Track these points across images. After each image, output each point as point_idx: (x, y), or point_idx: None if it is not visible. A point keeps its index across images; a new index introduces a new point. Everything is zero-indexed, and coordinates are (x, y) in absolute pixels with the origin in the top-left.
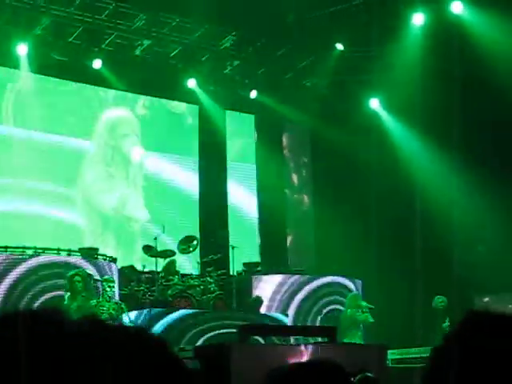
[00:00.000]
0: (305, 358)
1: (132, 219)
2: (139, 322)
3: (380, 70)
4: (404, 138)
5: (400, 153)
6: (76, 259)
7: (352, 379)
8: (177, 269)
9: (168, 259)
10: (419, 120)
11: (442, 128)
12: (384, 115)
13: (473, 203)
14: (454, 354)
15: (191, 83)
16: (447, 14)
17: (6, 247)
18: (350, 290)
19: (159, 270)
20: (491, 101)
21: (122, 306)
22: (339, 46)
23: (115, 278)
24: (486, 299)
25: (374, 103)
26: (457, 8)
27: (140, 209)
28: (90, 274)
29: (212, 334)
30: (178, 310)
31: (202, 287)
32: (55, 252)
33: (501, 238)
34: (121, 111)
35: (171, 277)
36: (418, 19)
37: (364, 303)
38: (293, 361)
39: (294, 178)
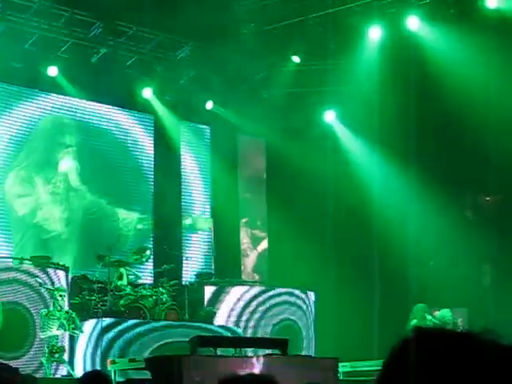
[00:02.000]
0: (256, 370)
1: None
2: (90, 331)
3: (336, 82)
4: (360, 151)
5: (355, 166)
6: (28, 267)
7: None
8: (129, 279)
9: (120, 269)
10: (375, 133)
11: (397, 141)
12: (340, 128)
13: (427, 218)
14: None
15: (147, 93)
16: (404, 29)
17: None
18: (303, 301)
19: (112, 279)
20: (445, 114)
21: (73, 315)
22: (295, 59)
23: (67, 287)
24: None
25: (330, 116)
26: (413, 23)
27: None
28: (41, 283)
29: (163, 344)
30: (129, 320)
31: (154, 297)
32: (7, 259)
33: (455, 253)
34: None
35: (123, 287)
36: (374, 33)
37: (429, 316)
38: (243, 373)
39: (249, 189)
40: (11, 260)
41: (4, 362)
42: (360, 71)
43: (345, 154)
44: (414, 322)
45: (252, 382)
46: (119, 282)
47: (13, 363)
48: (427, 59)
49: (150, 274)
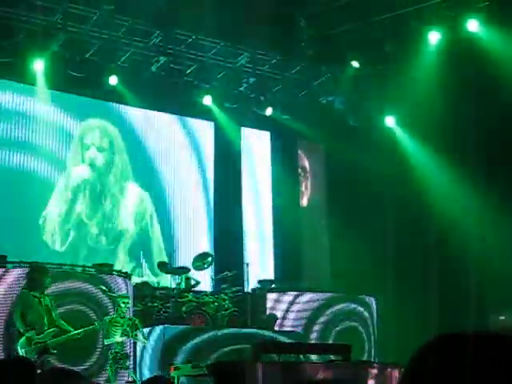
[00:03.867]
0: (320, 376)
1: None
2: (153, 338)
3: (395, 87)
4: (420, 156)
5: (416, 170)
6: (91, 275)
7: None
8: (191, 286)
9: (183, 276)
10: (435, 138)
11: (458, 146)
12: (399, 133)
13: (488, 221)
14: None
15: (207, 100)
16: (463, 32)
17: (20, 262)
18: (364, 307)
19: (174, 286)
20: (507, 119)
21: (136, 322)
22: (354, 64)
23: (129, 294)
24: (502, 317)
25: (390, 121)
26: (472, 26)
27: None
28: (105, 290)
29: (226, 350)
30: (191, 326)
31: (216, 304)
32: (70, 268)
33: None
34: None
35: (185, 293)
36: (433, 37)
37: None
38: (309, 378)
39: (309, 194)
40: (74, 268)
41: (70, 367)
42: (419, 75)
43: (405, 159)
44: None
45: None
46: (181, 289)
47: (77, 370)
48: (487, 62)
49: (210, 281)
